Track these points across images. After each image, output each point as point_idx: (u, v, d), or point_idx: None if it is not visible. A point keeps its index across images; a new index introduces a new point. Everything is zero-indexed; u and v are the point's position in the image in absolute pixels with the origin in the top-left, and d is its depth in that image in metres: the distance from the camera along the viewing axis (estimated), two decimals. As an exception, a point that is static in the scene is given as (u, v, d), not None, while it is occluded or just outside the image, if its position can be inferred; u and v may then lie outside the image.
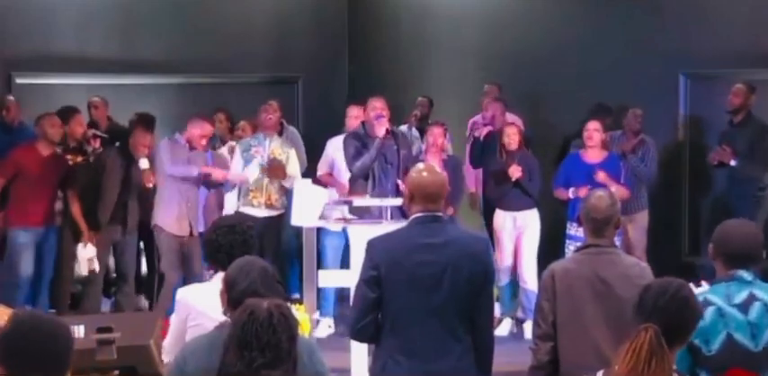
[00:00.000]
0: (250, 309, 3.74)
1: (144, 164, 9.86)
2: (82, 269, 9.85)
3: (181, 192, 9.87)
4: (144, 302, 11.06)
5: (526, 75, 12.11)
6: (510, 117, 11.17)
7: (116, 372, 6.84)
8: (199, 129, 9.96)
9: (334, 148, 10.35)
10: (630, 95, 11.03)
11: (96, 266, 9.86)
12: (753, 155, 10.04)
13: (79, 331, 7.66)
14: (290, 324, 3.73)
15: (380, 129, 9.28)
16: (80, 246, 9.84)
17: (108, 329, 7.35)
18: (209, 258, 5.32)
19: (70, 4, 12.50)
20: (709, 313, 4.56)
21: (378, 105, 9.48)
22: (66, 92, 12.09)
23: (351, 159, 9.39)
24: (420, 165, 5.39)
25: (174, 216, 9.80)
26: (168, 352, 5.29)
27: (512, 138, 10.22)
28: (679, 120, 11.12)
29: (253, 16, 13.49)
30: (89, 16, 12.55)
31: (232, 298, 4.28)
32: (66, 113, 10.48)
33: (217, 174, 9.97)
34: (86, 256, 9.78)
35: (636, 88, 11.11)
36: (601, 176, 9.83)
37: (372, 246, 5.18)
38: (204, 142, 10.11)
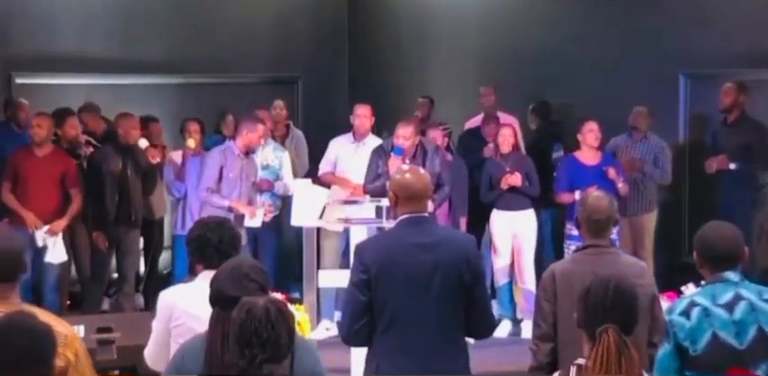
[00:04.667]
0: (247, 307, 3.78)
1: (143, 143, 9.84)
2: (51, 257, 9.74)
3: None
4: (141, 302, 11.04)
5: (526, 75, 12.10)
6: (506, 118, 11.17)
7: (116, 372, 6.85)
8: (255, 133, 9.80)
9: (338, 148, 10.31)
10: (630, 95, 11.02)
11: (62, 258, 9.72)
12: (750, 154, 10.03)
13: (79, 331, 7.68)
14: (287, 318, 3.79)
15: (394, 164, 9.14)
16: (38, 232, 9.69)
17: (108, 329, 7.36)
18: (196, 255, 5.24)
19: (71, 5, 12.49)
20: (695, 313, 4.61)
21: (400, 133, 9.36)
22: (67, 92, 12.08)
23: (369, 179, 9.43)
24: (403, 167, 5.40)
25: None
26: (153, 360, 5.12)
27: (506, 140, 10.18)
28: (679, 120, 11.12)
29: (253, 16, 13.49)
30: (89, 16, 12.55)
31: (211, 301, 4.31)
32: (61, 115, 10.44)
33: (242, 210, 9.70)
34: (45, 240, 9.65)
35: (636, 88, 11.11)
36: (611, 173, 9.82)
37: (361, 248, 5.19)
38: (262, 142, 10.06)
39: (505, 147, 10.18)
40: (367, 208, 9.16)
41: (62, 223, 9.74)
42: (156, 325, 5.17)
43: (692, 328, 4.58)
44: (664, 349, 4.66)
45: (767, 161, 10.14)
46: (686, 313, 4.62)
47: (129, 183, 9.91)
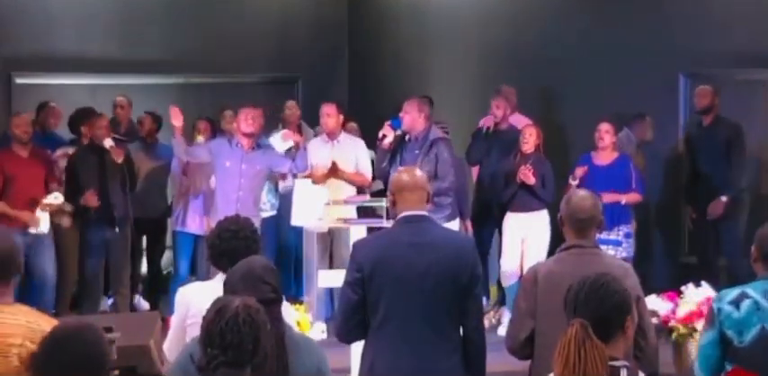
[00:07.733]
0: (219, 306, 3.76)
1: (108, 143, 9.72)
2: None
3: (236, 195, 9.63)
4: (143, 303, 11.02)
5: (526, 75, 12.10)
6: (521, 120, 11.05)
7: (116, 372, 6.85)
8: (240, 119, 9.79)
9: (314, 150, 10.21)
10: (631, 96, 11.02)
11: (44, 227, 9.61)
12: (729, 155, 10.00)
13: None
14: (257, 325, 3.72)
15: (386, 130, 9.15)
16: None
17: (108, 329, 7.36)
18: (212, 260, 5.29)
19: (70, 5, 12.50)
20: (745, 305, 4.63)
21: (403, 107, 9.31)
22: (67, 92, 12.09)
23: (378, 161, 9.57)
24: (400, 167, 5.42)
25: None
26: (170, 353, 5.21)
27: (528, 140, 10.02)
28: (679, 120, 11.11)
29: (253, 16, 13.50)
30: (89, 16, 12.56)
31: None
32: (88, 115, 10.39)
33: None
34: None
35: (636, 88, 11.10)
36: (607, 198, 9.19)
37: (357, 247, 5.22)
38: (245, 126, 9.82)
39: (527, 147, 10.04)
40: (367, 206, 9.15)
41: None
42: (174, 320, 5.26)
43: (741, 319, 4.62)
44: (707, 336, 4.68)
45: (743, 163, 10.09)
46: (736, 303, 4.64)
47: (108, 180, 9.82)
